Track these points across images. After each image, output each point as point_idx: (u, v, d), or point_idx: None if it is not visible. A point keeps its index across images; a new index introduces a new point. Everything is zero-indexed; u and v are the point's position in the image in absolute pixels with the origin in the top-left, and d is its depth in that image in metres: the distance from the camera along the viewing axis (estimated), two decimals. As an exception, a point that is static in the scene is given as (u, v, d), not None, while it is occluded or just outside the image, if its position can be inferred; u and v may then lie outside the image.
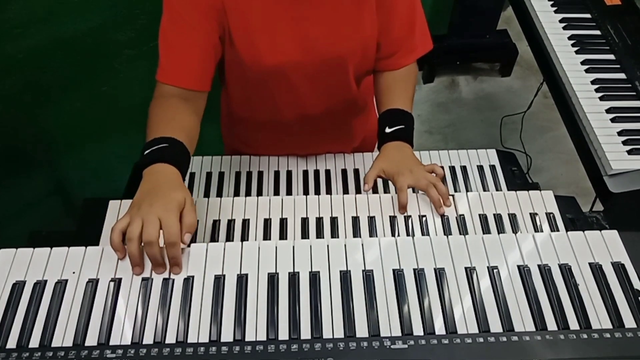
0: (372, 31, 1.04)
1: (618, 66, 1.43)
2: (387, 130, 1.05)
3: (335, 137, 1.23)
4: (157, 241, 0.77)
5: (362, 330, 0.73)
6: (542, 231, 0.96)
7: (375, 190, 1.10)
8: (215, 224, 0.97)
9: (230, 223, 0.96)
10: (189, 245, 0.82)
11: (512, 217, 0.98)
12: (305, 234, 0.95)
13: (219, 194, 1.17)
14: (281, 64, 1.02)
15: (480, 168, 1.21)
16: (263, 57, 1.00)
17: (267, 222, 0.96)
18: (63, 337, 0.72)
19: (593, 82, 1.38)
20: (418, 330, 0.73)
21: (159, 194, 0.81)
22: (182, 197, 0.82)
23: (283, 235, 0.95)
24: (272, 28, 0.98)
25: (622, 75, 1.41)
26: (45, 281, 0.77)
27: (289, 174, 1.20)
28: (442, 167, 1.20)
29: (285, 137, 1.21)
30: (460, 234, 0.95)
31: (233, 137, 1.31)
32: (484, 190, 1.17)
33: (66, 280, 0.78)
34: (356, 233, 0.95)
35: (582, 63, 1.43)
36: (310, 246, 0.82)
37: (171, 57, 0.97)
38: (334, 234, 0.95)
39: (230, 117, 1.25)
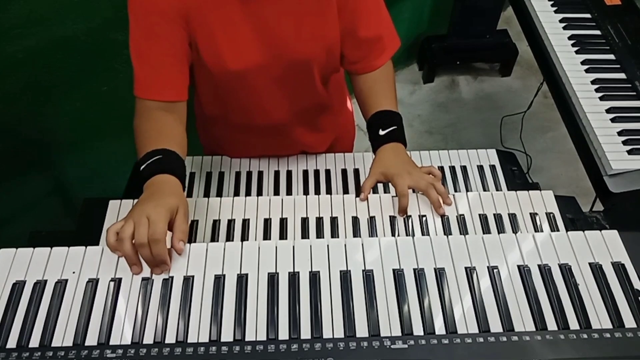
0: (335, 33, 1.04)
1: (618, 66, 1.42)
2: (381, 132, 1.05)
3: (306, 138, 1.23)
4: (148, 242, 0.77)
5: (362, 330, 0.73)
6: (542, 231, 0.96)
7: (375, 190, 1.10)
8: (215, 224, 0.97)
9: (230, 223, 0.97)
10: (191, 242, 0.83)
11: (512, 217, 0.98)
12: (305, 234, 0.95)
13: (219, 194, 1.17)
14: (245, 68, 1.01)
15: (480, 168, 1.21)
16: (226, 62, 0.99)
17: (267, 222, 0.96)
18: (63, 337, 0.72)
19: (593, 82, 1.38)
20: (418, 330, 0.74)
21: (154, 198, 0.83)
22: (175, 203, 0.82)
23: (283, 235, 0.95)
24: (234, 33, 0.98)
25: (622, 75, 1.40)
26: (45, 281, 0.77)
27: (289, 174, 1.20)
28: (442, 168, 1.21)
29: (256, 139, 1.21)
30: (460, 234, 0.95)
31: (208, 138, 1.31)
32: (484, 190, 1.17)
33: (66, 280, 0.78)
34: (356, 233, 0.95)
35: (582, 63, 1.43)
36: (310, 246, 0.82)
37: (147, 71, 0.96)
38: (334, 234, 0.95)
39: (204, 120, 1.26)
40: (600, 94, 1.34)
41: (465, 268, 0.80)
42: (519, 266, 0.81)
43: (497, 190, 1.17)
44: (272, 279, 0.78)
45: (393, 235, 0.95)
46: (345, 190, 1.17)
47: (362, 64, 1.11)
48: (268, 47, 1.00)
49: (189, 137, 0.99)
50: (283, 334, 0.73)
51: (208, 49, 0.98)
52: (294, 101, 1.13)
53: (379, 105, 1.08)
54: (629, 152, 1.22)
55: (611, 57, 1.45)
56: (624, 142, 1.23)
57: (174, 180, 0.88)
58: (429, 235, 0.95)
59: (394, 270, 0.80)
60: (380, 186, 1.12)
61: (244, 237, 0.95)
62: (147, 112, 0.96)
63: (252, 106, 1.12)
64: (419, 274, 0.79)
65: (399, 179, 0.98)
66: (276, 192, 1.17)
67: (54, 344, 0.71)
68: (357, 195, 1.00)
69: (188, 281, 0.78)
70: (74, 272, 0.79)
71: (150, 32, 0.94)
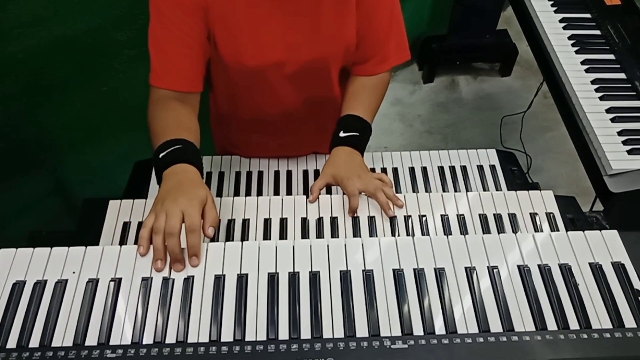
0: (352, 31, 1.04)
1: (618, 66, 1.43)
2: (341, 134, 1.06)
3: (319, 138, 1.23)
4: (179, 234, 0.78)
5: (362, 330, 0.73)
6: (542, 231, 0.96)
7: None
8: (215, 224, 0.97)
9: (230, 223, 0.97)
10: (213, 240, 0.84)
11: (512, 217, 0.98)
12: (305, 234, 0.95)
13: (219, 194, 1.17)
14: (262, 65, 1.02)
15: (480, 168, 1.21)
16: (244, 58, 1.00)
17: (267, 222, 0.96)
18: (63, 337, 0.72)
19: (593, 82, 1.38)
20: (418, 330, 0.74)
21: (182, 189, 0.83)
22: (204, 193, 0.84)
23: (283, 235, 0.95)
24: (254, 30, 0.98)
25: (622, 75, 1.41)
26: (45, 281, 0.77)
27: (289, 174, 1.20)
28: (442, 168, 1.21)
29: (269, 138, 1.21)
30: (460, 234, 0.95)
31: (221, 137, 1.32)
32: (484, 190, 1.17)
33: (66, 280, 0.78)
34: (356, 233, 0.95)
35: (582, 63, 1.43)
36: (310, 246, 0.82)
37: (163, 60, 0.98)
38: (334, 234, 0.95)
39: (218, 117, 1.26)
40: (600, 94, 1.35)
41: (465, 268, 0.80)
42: (519, 266, 0.81)
43: (497, 190, 1.17)
44: (272, 279, 0.78)
45: (393, 235, 0.95)
46: (345, 190, 1.17)
47: (361, 67, 1.12)
48: (286, 46, 1.01)
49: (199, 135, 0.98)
50: (283, 334, 0.73)
51: (226, 42, 0.99)
52: (308, 99, 1.13)
53: (353, 109, 1.09)
54: (629, 152, 1.22)
55: (611, 57, 1.45)
56: (624, 142, 1.24)
57: (195, 170, 0.88)
58: (429, 235, 0.95)
59: (394, 270, 0.80)
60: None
61: (244, 237, 0.95)
62: (161, 101, 0.97)
63: (266, 102, 1.12)
64: (419, 274, 0.79)
65: (348, 182, 0.98)
66: (276, 192, 1.17)
67: (54, 344, 0.71)
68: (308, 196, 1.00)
69: (188, 281, 0.78)
70: (74, 272, 0.79)
71: (168, 23, 0.95)
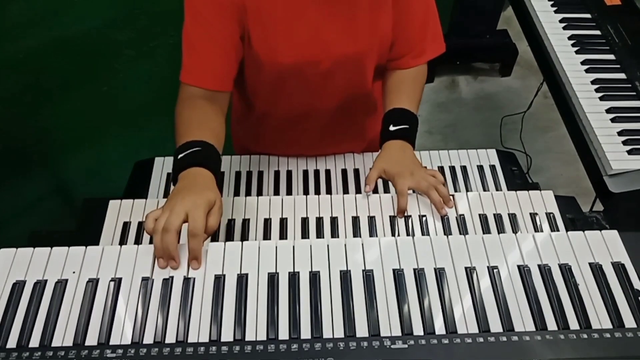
0: (388, 26, 1.04)
1: (618, 66, 1.43)
2: (391, 128, 1.06)
3: (346, 137, 1.23)
4: (175, 231, 0.78)
5: (362, 330, 0.73)
6: (542, 231, 0.96)
7: (375, 190, 1.10)
8: (215, 224, 0.97)
9: (230, 223, 0.97)
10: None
11: (512, 217, 0.98)
12: (305, 234, 0.95)
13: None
14: (297, 62, 1.02)
15: (480, 168, 1.21)
16: (279, 55, 1.01)
17: (267, 222, 0.96)
18: (63, 337, 0.72)
19: (593, 82, 1.38)
20: (418, 330, 0.74)
21: (192, 190, 0.83)
22: (213, 197, 0.83)
23: (283, 235, 0.95)
24: (290, 27, 0.99)
25: (622, 75, 1.41)
26: (45, 281, 0.77)
27: (289, 174, 1.20)
28: (442, 168, 1.21)
29: (296, 135, 1.21)
30: (460, 234, 0.95)
31: (244, 134, 1.31)
32: (484, 190, 1.17)
33: (66, 280, 0.78)
34: (356, 233, 0.95)
35: (582, 63, 1.43)
36: (310, 246, 0.82)
37: (194, 58, 0.98)
38: (334, 234, 0.95)
39: (243, 114, 1.25)
40: (600, 94, 1.34)
41: (465, 268, 0.80)
42: (519, 266, 0.81)
43: (497, 190, 1.17)
44: (272, 279, 0.78)
45: (393, 235, 0.95)
46: (345, 190, 1.17)
47: (398, 62, 1.11)
48: (321, 43, 1.01)
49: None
50: (283, 334, 0.73)
51: (261, 40, 0.99)
52: (341, 96, 1.13)
53: (398, 103, 1.09)
54: (629, 152, 1.22)
55: (611, 57, 1.45)
56: (624, 142, 1.23)
57: (209, 175, 0.88)
58: (429, 235, 0.95)
59: (394, 270, 0.80)
60: (380, 186, 1.12)
61: (244, 237, 0.95)
62: (190, 99, 0.98)
63: (298, 99, 1.12)
64: (419, 274, 0.79)
65: (399, 179, 0.98)
66: (276, 192, 1.17)
67: (54, 344, 0.71)
68: (358, 192, 1.00)
69: (188, 281, 0.78)
70: (74, 272, 0.79)
71: (202, 21, 0.96)
